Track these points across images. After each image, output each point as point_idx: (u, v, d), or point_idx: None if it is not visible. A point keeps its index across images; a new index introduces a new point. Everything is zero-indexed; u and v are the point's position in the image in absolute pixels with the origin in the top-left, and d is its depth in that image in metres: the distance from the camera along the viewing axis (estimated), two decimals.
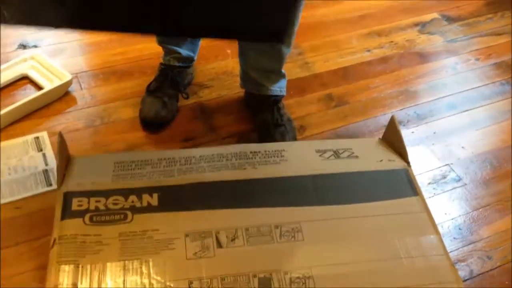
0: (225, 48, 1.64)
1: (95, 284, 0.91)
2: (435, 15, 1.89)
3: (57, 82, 1.43)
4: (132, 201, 1.03)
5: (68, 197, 1.03)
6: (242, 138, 1.37)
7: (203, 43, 1.51)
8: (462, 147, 1.40)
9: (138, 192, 1.05)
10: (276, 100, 1.36)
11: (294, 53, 1.64)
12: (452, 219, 1.22)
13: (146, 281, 0.92)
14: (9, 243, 1.11)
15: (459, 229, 1.20)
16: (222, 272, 0.94)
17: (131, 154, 1.24)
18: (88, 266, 0.93)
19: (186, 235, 0.99)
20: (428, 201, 1.12)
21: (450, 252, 1.12)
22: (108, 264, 0.93)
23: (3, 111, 1.33)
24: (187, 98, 1.44)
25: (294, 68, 1.60)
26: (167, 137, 1.37)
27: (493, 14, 1.91)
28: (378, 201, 1.09)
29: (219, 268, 0.96)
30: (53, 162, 1.25)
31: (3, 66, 1.47)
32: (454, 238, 1.18)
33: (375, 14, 1.87)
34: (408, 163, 1.17)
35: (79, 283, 0.91)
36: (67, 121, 1.39)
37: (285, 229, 1.02)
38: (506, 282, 1.11)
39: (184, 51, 1.40)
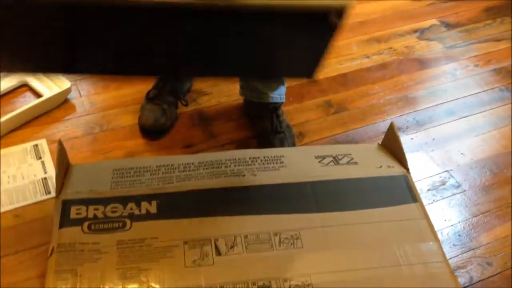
0: None
1: None
2: (434, 21, 1.89)
3: (56, 90, 1.44)
4: (131, 209, 1.03)
5: (66, 205, 1.03)
6: (242, 145, 1.37)
7: None
8: (462, 153, 1.40)
9: (137, 199, 1.05)
10: (275, 107, 1.37)
11: None
12: (452, 225, 1.22)
13: None
14: (8, 251, 1.10)
15: (459, 235, 1.20)
16: (221, 280, 0.94)
17: (130, 161, 1.24)
18: (87, 275, 0.93)
19: (185, 243, 0.99)
20: (427, 207, 1.12)
21: (450, 259, 1.12)
22: (107, 272, 0.93)
23: (3, 118, 1.33)
24: (187, 105, 1.44)
25: None
26: (166, 144, 1.37)
27: (492, 20, 1.91)
28: (377, 207, 1.08)
29: (218, 276, 0.95)
30: (52, 170, 1.25)
31: (2, 74, 1.47)
32: (454, 244, 1.18)
33: (374, 21, 1.87)
34: (407, 169, 1.17)
35: None
36: (66, 128, 1.39)
37: (284, 237, 1.02)
38: None
39: None
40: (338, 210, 1.07)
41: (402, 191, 1.13)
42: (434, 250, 1.03)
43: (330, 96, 1.54)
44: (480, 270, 1.13)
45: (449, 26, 1.87)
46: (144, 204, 1.04)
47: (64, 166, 1.10)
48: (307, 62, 0.83)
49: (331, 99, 1.54)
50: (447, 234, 1.20)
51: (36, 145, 1.32)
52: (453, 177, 1.33)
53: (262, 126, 1.37)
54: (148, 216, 1.02)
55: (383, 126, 1.43)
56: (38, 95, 1.45)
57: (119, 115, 1.43)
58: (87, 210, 1.02)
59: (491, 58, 1.74)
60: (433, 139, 1.43)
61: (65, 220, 1.01)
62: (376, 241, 1.04)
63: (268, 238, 1.02)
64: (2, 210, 1.17)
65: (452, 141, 1.43)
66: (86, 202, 1.04)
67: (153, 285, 0.92)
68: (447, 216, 1.24)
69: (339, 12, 0.70)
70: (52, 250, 0.96)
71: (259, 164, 1.15)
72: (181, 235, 1.00)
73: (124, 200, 1.04)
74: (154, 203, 1.05)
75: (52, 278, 0.92)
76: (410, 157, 1.18)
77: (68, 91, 1.45)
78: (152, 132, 1.37)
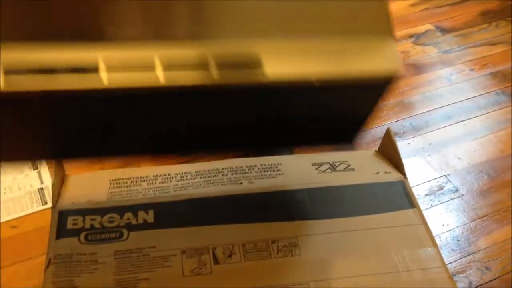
0: None
1: None
2: (429, 26, 1.89)
3: None
4: (128, 218, 1.03)
5: (63, 216, 1.03)
6: (239, 153, 1.37)
7: None
8: (459, 158, 1.40)
9: (134, 209, 1.04)
10: None
11: None
12: (450, 230, 1.22)
13: None
14: (6, 262, 1.10)
15: (457, 240, 1.20)
16: None
17: (127, 171, 1.23)
18: (84, 286, 0.92)
19: (183, 252, 0.99)
20: (425, 212, 1.12)
21: (449, 263, 1.12)
22: (104, 283, 0.93)
23: None
24: None
25: None
26: (163, 153, 1.36)
27: (488, 24, 1.92)
28: (375, 214, 1.08)
29: (216, 284, 0.95)
30: (48, 180, 1.25)
31: None
32: (452, 249, 1.18)
33: None
34: (404, 175, 1.17)
35: None
36: None
37: (282, 244, 1.02)
38: None
39: None
40: (335, 217, 1.07)
41: (399, 197, 1.12)
42: (432, 256, 1.03)
43: None
44: (479, 274, 1.13)
45: (444, 30, 1.88)
46: (141, 214, 1.04)
47: (60, 177, 1.09)
48: (348, 128, 0.79)
49: None
50: (446, 239, 1.20)
51: None
52: (450, 181, 1.34)
53: None
54: (145, 226, 1.02)
55: (380, 131, 1.43)
56: None
57: None
58: (84, 221, 1.02)
59: (487, 62, 1.74)
60: (430, 144, 1.43)
61: (62, 231, 1.00)
62: (374, 248, 1.03)
63: (266, 246, 1.01)
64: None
65: (449, 146, 1.44)
66: (83, 212, 1.03)
67: None
68: (445, 221, 1.24)
69: (392, 77, 0.62)
70: (49, 262, 0.96)
71: (256, 172, 1.15)
72: (179, 244, 1.00)
73: (121, 210, 1.04)
74: (151, 212, 1.04)
75: None
76: (407, 162, 1.18)
77: None
78: None
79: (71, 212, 1.04)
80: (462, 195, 1.30)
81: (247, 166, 1.16)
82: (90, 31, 0.56)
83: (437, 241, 1.07)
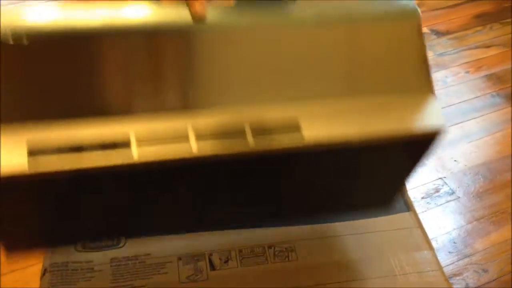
0: None
1: None
2: (424, 29, 1.90)
3: None
4: None
5: None
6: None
7: None
8: (455, 160, 1.40)
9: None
10: None
11: None
12: (447, 233, 1.22)
13: None
14: (5, 270, 1.10)
15: (454, 242, 1.20)
16: None
17: None
18: None
19: (179, 259, 0.99)
20: (422, 215, 1.12)
21: (445, 266, 1.12)
22: None
23: None
24: None
25: None
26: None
27: (482, 27, 1.92)
28: (371, 218, 1.08)
29: None
30: None
31: None
32: (449, 252, 1.18)
33: None
34: None
35: None
36: None
37: (278, 249, 1.02)
38: None
39: None
40: (331, 222, 1.07)
41: (395, 200, 1.13)
42: (428, 259, 1.03)
43: None
44: (476, 277, 1.13)
45: (439, 33, 1.88)
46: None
47: None
48: (388, 191, 0.75)
49: None
50: (442, 242, 1.20)
51: None
52: (447, 184, 1.34)
53: None
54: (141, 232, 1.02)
55: None
56: None
57: None
58: None
59: (482, 65, 1.75)
60: None
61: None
62: (370, 252, 1.03)
63: (263, 251, 1.01)
64: None
65: (446, 148, 1.44)
66: None
67: None
68: (442, 223, 1.24)
69: (438, 133, 0.58)
70: (45, 271, 0.96)
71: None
72: (175, 250, 1.00)
73: None
74: None
75: None
76: None
77: None
78: None
79: None
80: (459, 197, 1.30)
81: None
82: (110, 105, 0.52)
83: (434, 243, 1.07)
